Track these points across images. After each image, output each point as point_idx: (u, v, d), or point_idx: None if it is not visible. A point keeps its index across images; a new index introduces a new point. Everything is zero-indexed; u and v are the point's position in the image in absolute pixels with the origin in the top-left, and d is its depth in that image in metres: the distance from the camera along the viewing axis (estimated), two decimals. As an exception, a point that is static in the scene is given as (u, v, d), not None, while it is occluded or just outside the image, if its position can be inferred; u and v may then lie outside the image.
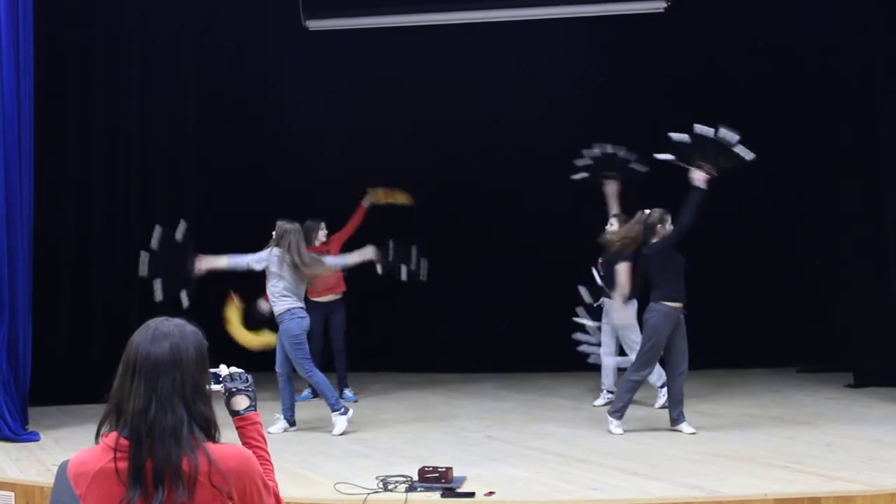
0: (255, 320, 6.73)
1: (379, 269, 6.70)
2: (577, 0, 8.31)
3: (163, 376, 2.02)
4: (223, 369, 2.35)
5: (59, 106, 7.47)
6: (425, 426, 6.71)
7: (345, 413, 6.41)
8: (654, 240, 6.24)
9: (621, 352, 7.29)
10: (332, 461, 5.53)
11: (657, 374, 6.81)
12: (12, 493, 4.93)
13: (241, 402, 2.32)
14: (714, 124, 6.02)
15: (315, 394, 7.45)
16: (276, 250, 6.36)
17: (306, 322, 6.42)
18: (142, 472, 1.97)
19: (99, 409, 2.08)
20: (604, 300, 7.31)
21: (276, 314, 6.42)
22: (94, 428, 2.07)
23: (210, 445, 2.03)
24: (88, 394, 6.59)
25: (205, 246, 9.02)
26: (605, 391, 7.38)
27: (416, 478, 4.79)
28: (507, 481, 4.88)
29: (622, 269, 6.63)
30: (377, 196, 8.24)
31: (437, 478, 4.73)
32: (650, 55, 9.13)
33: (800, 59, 8.52)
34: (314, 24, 8.40)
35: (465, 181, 9.41)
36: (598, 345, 7.37)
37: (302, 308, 6.42)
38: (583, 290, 7.42)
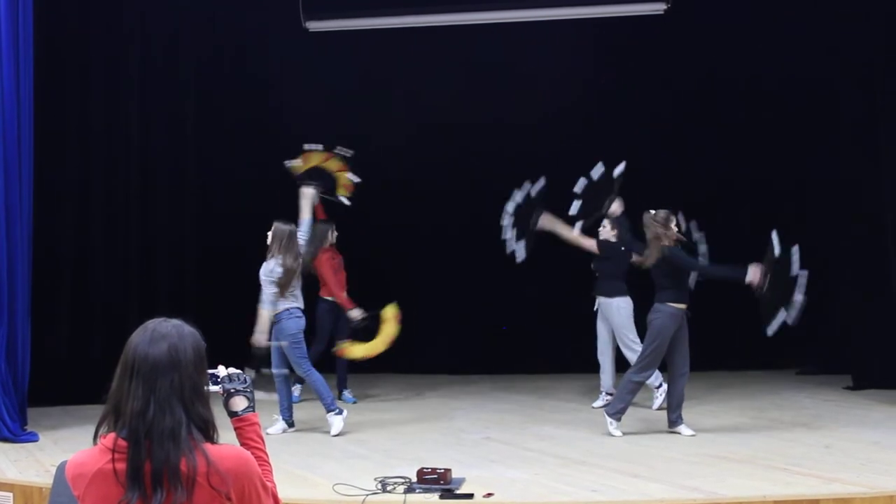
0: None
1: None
2: (577, 2, 8.32)
3: (161, 377, 2.02)
4: (221, 370, 2.35)
5: (59, 106, 7.46)
6: (424, 427, 6.71)
7: (340, 413, 6.42)
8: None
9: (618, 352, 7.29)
10: (330, 462, 5.53)
11: (654, 376, 6.81)
12: (11, 494, 4.93)
13: (239, 403, 2.32)
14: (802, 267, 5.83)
15: (299, 394, 7.52)
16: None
17: (303, 322, 6.45)
18: (140, 473, 1.97)
19: (99, 410, 2.08)
20: (600, 300, 7.30)
21: (275, 313, 6.42)
22: (93, 428, 2.07)
23: (208, 446, 2.03)
24: (88, 394, 6.58)
25: (205, 246, 9.06)
26: (604, 393, 7.37)
27: (414, 479, 4.79)
28: (506, 483, 4.87)
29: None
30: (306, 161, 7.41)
31: (435, 479, 4.73)
32: (650, 57, 9.14)
33: (799, 59, 8.52)
34: (314, 26, 8.40)
35: (466, 182, 9.42)
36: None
37: (299, 308, 6.44)
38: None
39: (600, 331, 7.34)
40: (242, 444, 2.26)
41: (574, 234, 7.01)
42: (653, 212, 6.28)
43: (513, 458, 5.58)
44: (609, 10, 8.36)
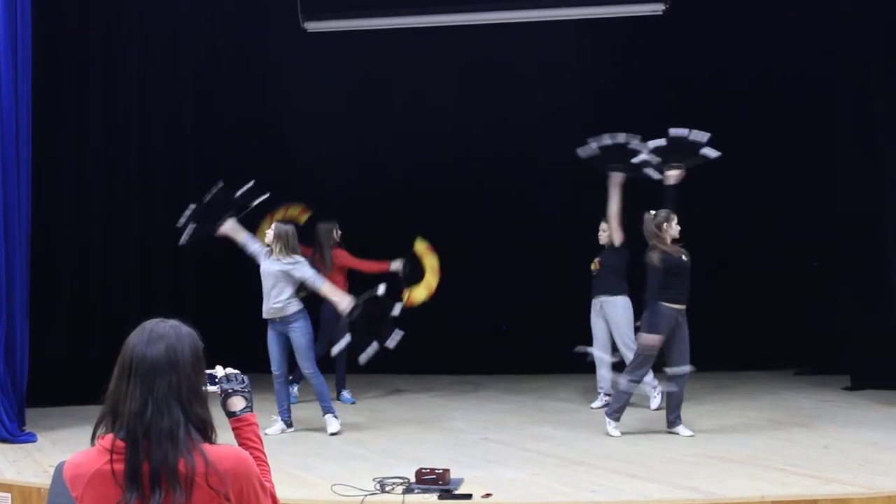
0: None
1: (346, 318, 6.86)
2: (576, 2, 8.32)
3: (159, 378, 2.02)
4: (219, 370, 2.35)
5: (58, 106, 7.46)
6: (423, 428, 6.71)
7: (336, 417, 6.48)
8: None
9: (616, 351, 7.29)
10: (329, 462, 5.53)
11: (651, 376, 6.80)
12: (9, 495, 4.92)
13: (237, 404, 2.33)
14: (688, 126, 6.33)
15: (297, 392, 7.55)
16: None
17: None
18: (138, 474, 1.96)
19: (98, 410, 2.08)
20: (602, 299, 7.29)
21: (285, 315, 6.40)
22: (91, 429, 2.07)
23: (207, 447, 2.03)
24: (87, 394, 6.59)
25: (204, 245, 9.05)
26: (602, 393, 7.36)
27: (413, 479, 4.79)
28: (504, 483, 4.88)
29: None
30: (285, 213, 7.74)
31: (434, 479, 4.73)
32: (650, 57, 9.14)
33: (799, 59, 8.52)
34: (312, 26, 8.40)
35: (466, 182, 9.42)
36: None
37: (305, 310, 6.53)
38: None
39: (597, 330, 7.32)
40: (240, 445, 2.26)
41: None
42: (653, 212, 6.30)
43: (511, 458, 5.58)
44: (609, 11, 8.37)
